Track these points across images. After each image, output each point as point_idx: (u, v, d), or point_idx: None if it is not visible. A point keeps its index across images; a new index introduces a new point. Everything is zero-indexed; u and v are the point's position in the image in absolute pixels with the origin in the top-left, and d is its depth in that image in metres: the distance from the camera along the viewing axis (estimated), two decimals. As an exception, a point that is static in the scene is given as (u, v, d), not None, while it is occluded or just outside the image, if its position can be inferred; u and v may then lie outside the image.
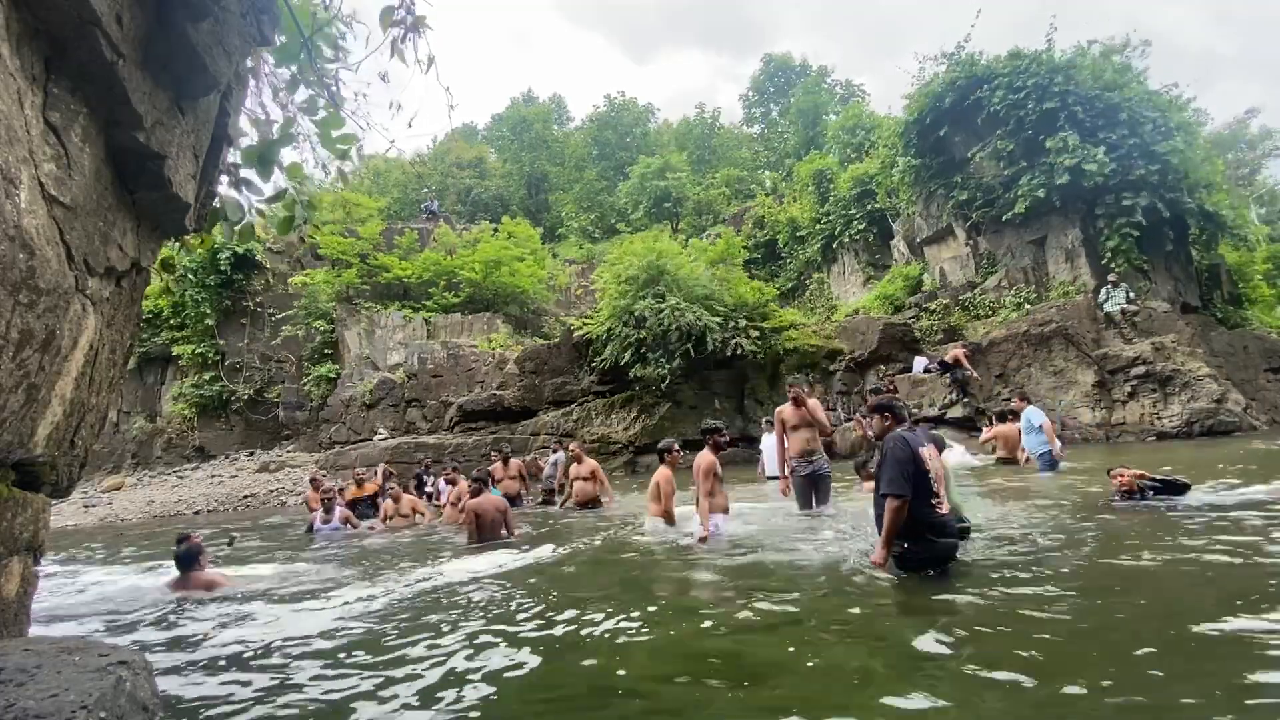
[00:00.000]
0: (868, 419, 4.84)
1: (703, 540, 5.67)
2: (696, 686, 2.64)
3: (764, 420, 11.58)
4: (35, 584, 2.56)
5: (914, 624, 3.26)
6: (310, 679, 3.08)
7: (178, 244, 3.66)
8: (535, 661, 3.09)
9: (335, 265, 22.37)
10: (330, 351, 22.31)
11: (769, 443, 9.26)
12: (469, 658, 3.19)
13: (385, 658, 3.31)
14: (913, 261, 19.16)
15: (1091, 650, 2.69)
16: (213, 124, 3.10)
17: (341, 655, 3.43)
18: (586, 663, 3.05)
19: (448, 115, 4.36)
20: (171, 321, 22.82)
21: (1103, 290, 13.77)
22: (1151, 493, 5.80)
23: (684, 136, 40.23)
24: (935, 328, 15.90)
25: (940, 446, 4.55)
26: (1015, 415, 10.25)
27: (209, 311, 22.28)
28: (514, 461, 11.39)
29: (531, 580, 5.05)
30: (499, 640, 3.42)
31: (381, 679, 2.98)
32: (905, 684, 2.49)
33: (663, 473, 6.44)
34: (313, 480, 11.56)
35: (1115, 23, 79.06)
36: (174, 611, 4.90)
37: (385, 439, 17.74)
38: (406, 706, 2.65)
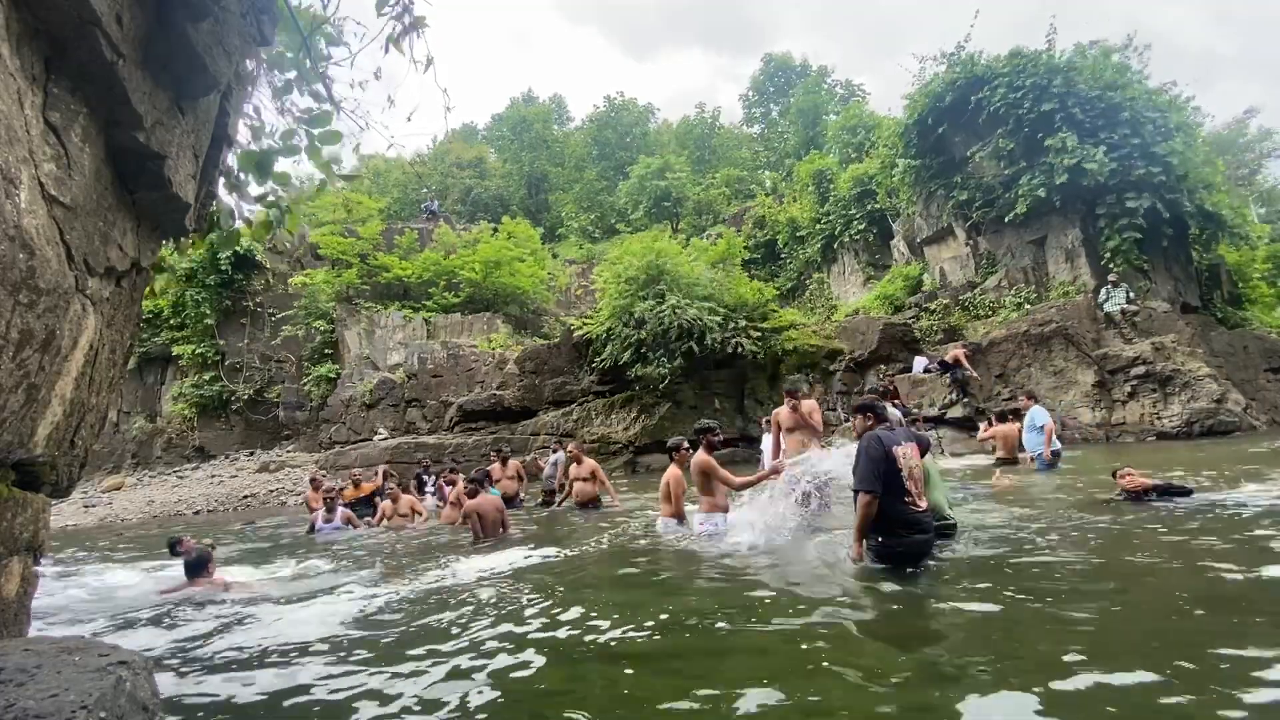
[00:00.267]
0: (853, 419, 4.90)
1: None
2: (697, 686, 2.64)
3: (764, 420, 11.55)
4: (35, 584, 2.56)
5: (914, 626, 3.26)
6: (315, 679, 3.07)
7: (173, 246, 3.67)
8: (541, 661, 3.08)
9: (335, 265, 22.39)
10: (330, 351, 22.33)
11: (769, 443, 9.24)
12: (473, 658, 3.19)
13: (389, 657, 3.31)
14: (913, 261, 19.15)
15: (1091, 649, 2.68)
16: (213, 124, 3.10)
17: (345, 655, 3.42)
18: (593, 665, 3.05)
19: (445, 117, 4.39)
20: (171, 321, 22.83)
21: (1103, 290, 13.77)
22: (1155, 493, 5.82)
23: (684, 136, 40.20)
24: (935, 328, 15.88)
25: (925, 446, 4.60)
26: (1016, 415, 10.22)
27: (209, 311, 22.29)
28: (512, 462, 11.33)
29: (540, 579, 5.05)
30: (506, 642, 3.42)
31: (386, 678, 2.98)
32: (906, 684, 2.49)
33: (672, 472, 6.48)
34: (313, 480, 11.55)
35: (1115, 23, 79.16)
36: (175, 611, 4.89)
37: (385, 439, 17.74)
38: (406, 710, 2.64)
